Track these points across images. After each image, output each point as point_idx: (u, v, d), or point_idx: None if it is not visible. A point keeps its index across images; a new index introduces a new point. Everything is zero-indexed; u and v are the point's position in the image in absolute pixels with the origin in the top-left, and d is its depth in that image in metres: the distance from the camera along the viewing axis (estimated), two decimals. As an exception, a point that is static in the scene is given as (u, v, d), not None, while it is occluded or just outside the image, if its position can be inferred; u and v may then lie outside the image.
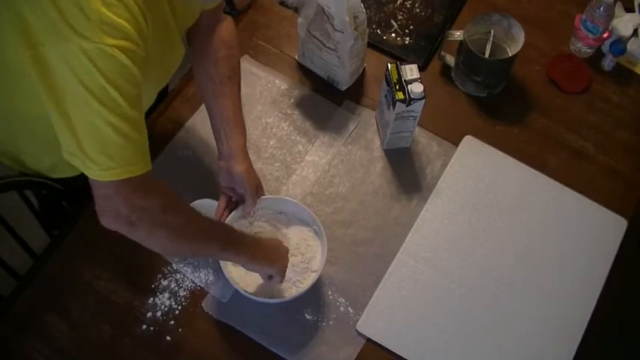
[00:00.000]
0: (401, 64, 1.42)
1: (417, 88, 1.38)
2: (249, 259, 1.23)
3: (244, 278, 1.31)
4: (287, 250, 1.31)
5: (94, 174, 1.02)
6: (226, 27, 1.36)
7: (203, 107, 1.54)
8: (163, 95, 1.61)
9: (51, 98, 0.99)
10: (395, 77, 1.40)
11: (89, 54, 0.95)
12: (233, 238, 1.22)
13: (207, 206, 1.34)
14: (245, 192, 1.33)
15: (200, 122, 1.53)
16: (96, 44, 0.95)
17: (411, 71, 1.41)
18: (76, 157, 1.02)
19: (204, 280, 1.36)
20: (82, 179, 1.09)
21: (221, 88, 1.34)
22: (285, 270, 1.29)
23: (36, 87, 1.01)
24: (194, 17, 1.29)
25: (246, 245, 1.23)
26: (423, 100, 1.39)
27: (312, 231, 1.36)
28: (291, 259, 1.33)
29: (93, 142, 1.00)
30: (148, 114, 1.52)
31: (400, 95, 1.38)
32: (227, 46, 1.35)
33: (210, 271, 1.37)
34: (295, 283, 1.31)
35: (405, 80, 1.39)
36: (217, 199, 1.37)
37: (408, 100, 1.38)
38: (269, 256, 1.26)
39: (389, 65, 1.42)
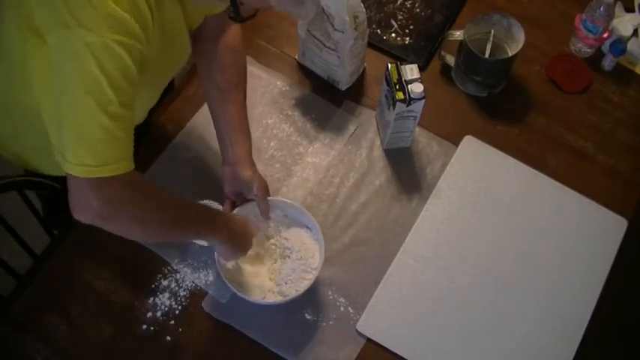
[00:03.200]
0: (401, 65, 1.42)
1: (417, 88, 1.38)
2: (220, 242, 1.23)
3: (241, 279, 1.32)
4: (252, 235, 1.30)
5: (70, 168, 1.00)
6: (233, 31, 1.35)
7: (203, 109, 1.54)
8: (169, 91, 1.61)
9: (44, 89, 0.99)
10: (395, 77, 1.40)
11: (91, 47, 0.94)
12: (206, 223, 1.22)
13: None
14: (255, 197, 1.32)
15: (200, 124, 1.53)
16: (100, 38, 0.94)
17: (411, 71, 1.41)
18: (57, 149, 1.01)
19: (203, 281, 1.36)
20: None
21: (227, 95, 1.33)
22: (245, 252, 1.29)
23: (33, 78, 1.01)
24: (201, 19, 1.28)
25: (219, 229, 1.22)
26: (423, 100, 1.39)
27: (310, 233, 1.36)
28: (290, 261, 1.34)
29: (76, 136, 0.99)
30: (149, 113, 1.52)
31: (400, 95, 1.38)
32: (233, 50, 1.34)
33: (210, 272, 1.37)
34: (293, 284, 1.31)
35: (405, 80, 1.39)
36: (217, 201, 1.37)
37: (408, 101, 1.38)
38: (237, 243, 1.25)
39: (389, 65, 1.42)
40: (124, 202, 1.06)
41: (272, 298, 1.30)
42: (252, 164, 1.33)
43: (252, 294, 1.30)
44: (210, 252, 1.37)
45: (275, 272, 1.34)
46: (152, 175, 1.46)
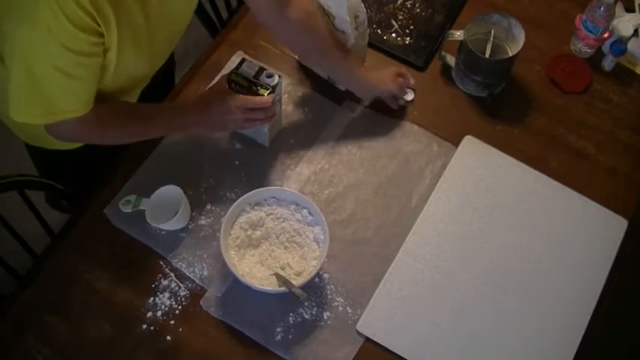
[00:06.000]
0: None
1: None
2: (201, 131, 1.47)
3: (243, 267, 1.32)
4: (224, 96, 1.36)
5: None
6: None
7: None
8: (168, 91, 1.62)
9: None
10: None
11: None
12: (174, 127, 1.40)
13: (171, 192, 1.39)
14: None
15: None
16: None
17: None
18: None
19: (198, 275, 1.37)
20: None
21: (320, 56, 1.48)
22: (242, 103, 1.36)
23: None
24: None
25: (190, 124, 1.39)
26: None
27: (310, 223, 1.37)
28: (292, 253, 1.34)
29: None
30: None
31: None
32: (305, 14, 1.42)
33: (205, 266, 1.38)
34: (294, 277, 1.32)
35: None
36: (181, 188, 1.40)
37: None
38: (213, 120, 1.38)
39: None
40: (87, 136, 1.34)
41: (272, 287, 1.30)
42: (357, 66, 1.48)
43: (259, 285, 1.30)
44: (204, 246, 1.38)
45: (276, 262, 1.34)
46: (146, 168, 1.48)
